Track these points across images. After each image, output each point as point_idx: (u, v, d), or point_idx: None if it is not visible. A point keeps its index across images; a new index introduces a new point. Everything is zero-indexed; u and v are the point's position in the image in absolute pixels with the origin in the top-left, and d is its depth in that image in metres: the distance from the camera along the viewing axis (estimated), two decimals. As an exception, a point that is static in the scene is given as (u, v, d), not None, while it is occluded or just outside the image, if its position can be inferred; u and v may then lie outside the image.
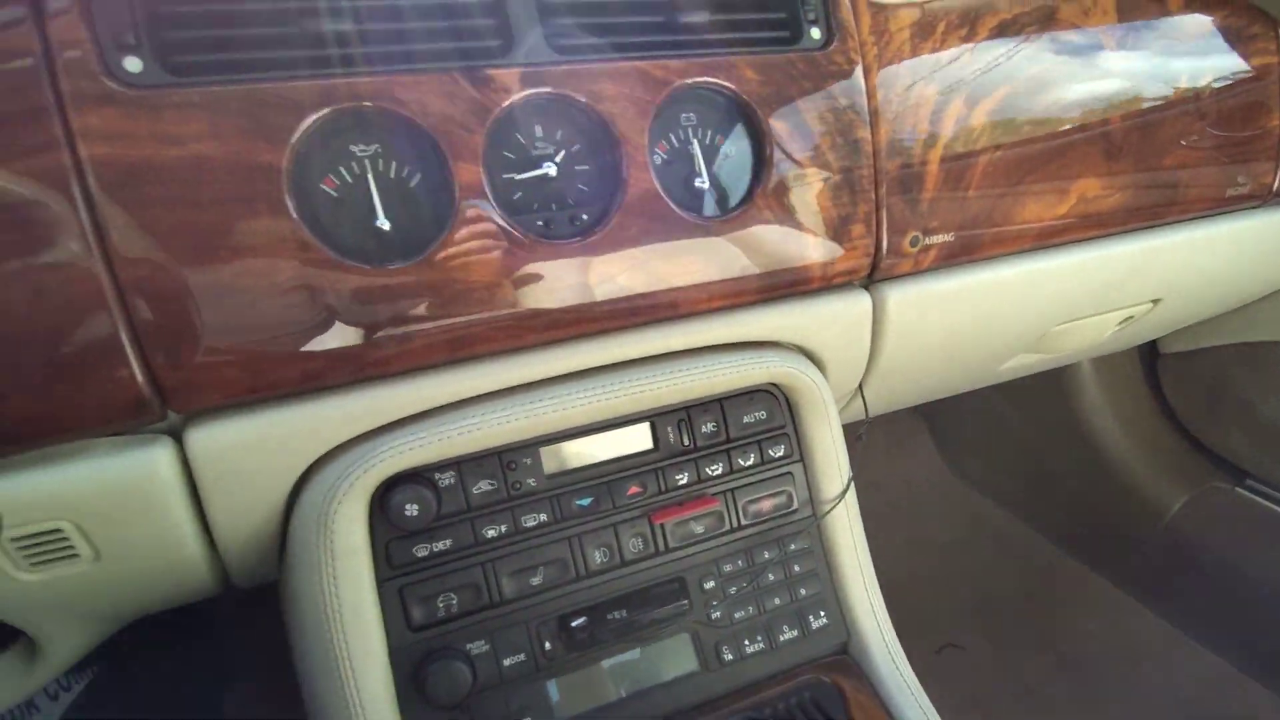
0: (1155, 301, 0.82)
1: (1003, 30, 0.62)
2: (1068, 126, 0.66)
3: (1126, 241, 0.74)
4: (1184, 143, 0.74)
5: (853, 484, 0.64)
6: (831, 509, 0.62)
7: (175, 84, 0.41)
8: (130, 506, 0.44)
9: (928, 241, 0.62)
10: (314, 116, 0.43)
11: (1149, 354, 1.08)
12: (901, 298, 0.63)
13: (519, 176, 0.49)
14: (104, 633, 0.58)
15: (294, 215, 0.43)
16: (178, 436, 0.45)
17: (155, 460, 0.44)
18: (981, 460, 1.28)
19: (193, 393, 0.43)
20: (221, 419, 0.45)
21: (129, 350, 0.41)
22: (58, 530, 0.43)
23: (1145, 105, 0.70)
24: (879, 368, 0.67)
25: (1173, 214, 0.76)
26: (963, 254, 0.64)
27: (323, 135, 0.44)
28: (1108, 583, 1.07)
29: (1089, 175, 0.68)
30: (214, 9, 0.42)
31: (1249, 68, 0.75)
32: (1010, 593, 1.11)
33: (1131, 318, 0.83)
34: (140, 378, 0.42)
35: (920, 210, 0.61)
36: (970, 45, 0.61)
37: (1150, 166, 0.72)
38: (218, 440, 0.45)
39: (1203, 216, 0.78)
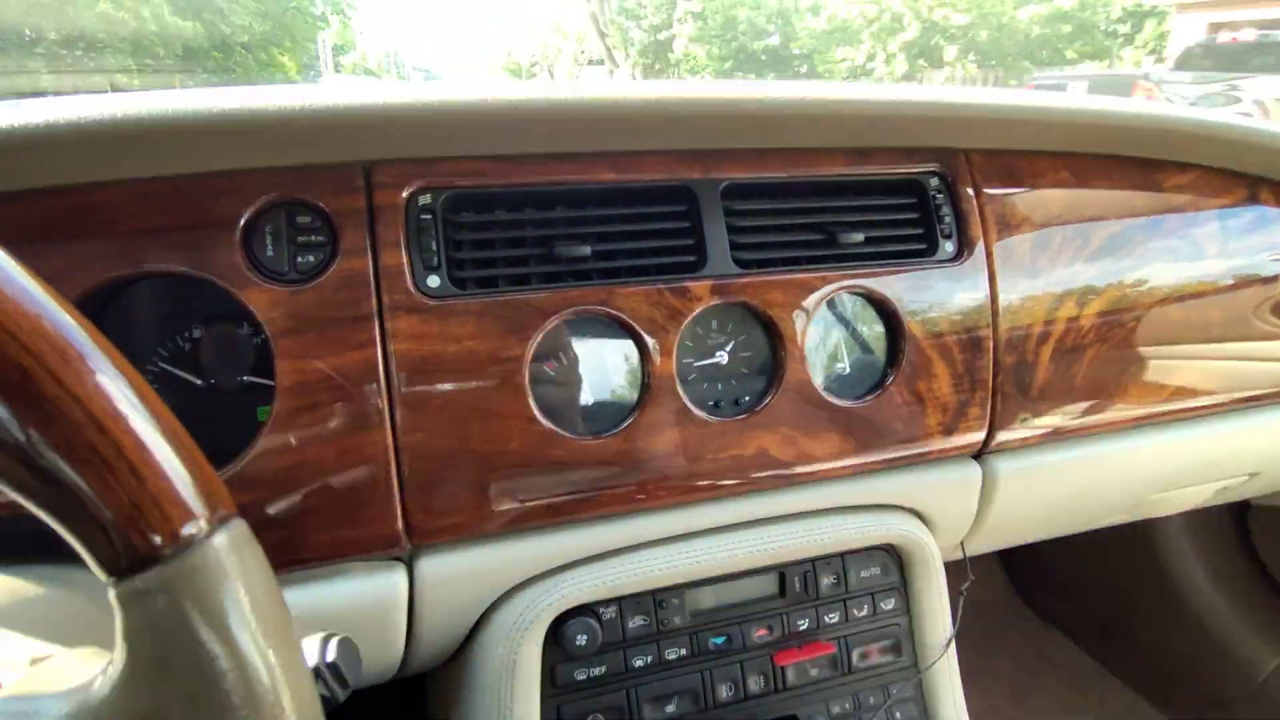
0: (1252, 475, 0.94)
1: (1113, 240, 0.77)
2: (1171, 321, 0.80)
3: (1226, 421, 0.87)
4: (1283, 329, 0.87)
5: (954, 640, 0.76)
6: (935, 663, 0.75)
7: (459, 295, 0.58)
8: (369, 620, 0.60)
9: (1036, 422, 0.76)
10: (555, 320, 0.60)
11: (1239, 504, 1.18)
12: (1009, 469, 0.77)
13: (696, 363, 0.65)
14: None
15: (528, 396, 0.59)
16: (408, 564, 0.61)
17: (394, 583, 0.60)
18: (1054, 593, 1.37)
19: (431, 531, 0.59)
20: (445, 551, 0.61)
21: (395, 498, 0.57)
22: (315, 637, 0.59)
23: (1246, 300, 0.84)
24: (983, 527, 0.80)
25: (1272, 398, 0.88)
26: (1068, 434, 0.78)
27: (552, 330, 0.61)
28: (1194, 743, 1.14)
29: (1190, 364, 0.82)
30: (491, 236, 0.60)
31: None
32: (1086, 740, 1.19)
33: (1227, 488, 0.95)
34: (399, 518, 0.58)
35: (1031, 396, 0.75)
36: (1083, 254, 0.76)
37: (1250, 354, 0.85)
38: (441, 569, 0.61)
39: (1302, 396, 0.90)
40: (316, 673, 0.38)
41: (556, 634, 0.64)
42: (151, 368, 0.60)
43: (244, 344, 0.59)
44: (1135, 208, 0.80)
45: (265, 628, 0.27)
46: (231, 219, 0.55)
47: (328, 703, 0.43)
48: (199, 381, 0.60)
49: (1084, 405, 0.78)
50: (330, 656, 0.39)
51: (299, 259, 0.56)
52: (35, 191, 0.52)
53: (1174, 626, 1.15)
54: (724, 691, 0.69)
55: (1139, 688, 1.20)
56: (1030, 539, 0.91)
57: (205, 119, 0.50)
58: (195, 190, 0.54)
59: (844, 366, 0.70)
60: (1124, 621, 1.21)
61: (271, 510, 0.55)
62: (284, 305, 0.55)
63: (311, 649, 0.39)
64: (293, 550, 0.56)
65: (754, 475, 0.66)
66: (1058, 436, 0.78)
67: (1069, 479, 0.81)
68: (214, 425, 0.56)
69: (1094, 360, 0.77)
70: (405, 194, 0.58)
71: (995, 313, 0.72)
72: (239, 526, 0.29)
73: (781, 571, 0.71)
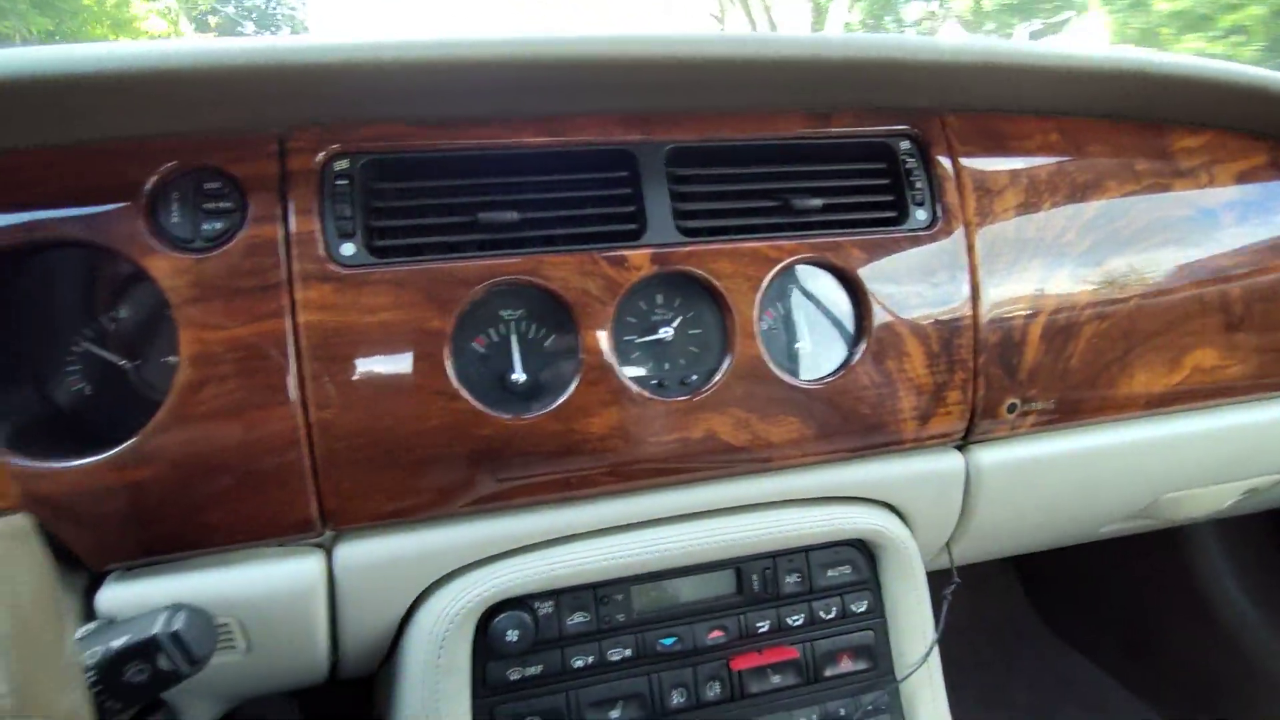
0: (1286, 473, 0.87)
1: (1111, 209, 0.73)
2: (1181, 297, 0.75)
3: (1253, 410, 0.80)
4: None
5: (937, 647, 0.71)
6: (913, 672, 0.70)
7: (375, 264, 0.57)
8: (285, 607, 0.59)
9: (1026, 408, 0.71)
10: (480, 290, 0.58)
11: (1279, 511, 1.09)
12: (996, 461, 0.72)
13: (639, 339, 0.63)
14: (228, 707, 0.72)
15: (449, 371, 0.58)
16: (327, 550, 0.60)
17: (311, 570, 0.58)
18: (1075, 611, 1.29)
19: (349, 515, 0.58)
20: (365, 538, 0.60)
21: (308, 478, 0.56)
22: (225, 625, 0.58)
23: (1271, 274, 0.78)
24: (969, 527, 0.75)
25: (1306, 383, 0.81)
26: (1063, 420, 0.73)
27: (480, 302, 0.59)
28: (1234, 777, 1.06)
29: (1206, 345, 0.76)
30: (413, 204, 0.58)
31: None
32: (1113, 772, 1.12)
33: (1256, 489, 0.88)
34: (312, 500, 0.56)
35: (1019, 378, 0.70)
36: (1076, 222, 0.72)
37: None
38: (360, 556, 0.59)
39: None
40: (156, 644, 0.37)
41: (487, 629, 0.62)
42: (75, 348, 0.60)
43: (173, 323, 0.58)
44: (1137, 174, 0.75)
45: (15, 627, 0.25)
46: (135, 185, 0.54)
47: (170, 676, 0.41)
48: (123, 362, 0.60)
49: (1082, 390, 0.73)
50: (175, 626, 0.38)
51: (204, 226, 0.55)
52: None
53: (1205, 646, 1.07)
54: (675, 698, 0.66)
55: (1167, 713, 1.13)
56: (1029, 546, 0.86)
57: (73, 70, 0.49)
58: (99, 157, 0.54)
59: (804, 344, 0.66)
60: (1151, 641, 1.14)
61: (170, 488, 0.54)
62: (188, 274, 0.54)
63: (156, 619, 0.38)
64: (195, 531, 0.55)
65: (702, 461, 0.63)
66: (1053, 425, 0.73)
67: (1067, 475, 0.76)
68: (141, 407, 0.56)
69: (1092, 340, 0.72)
70: (320, 159, 0.57)
71: (975, 286, 0.68)
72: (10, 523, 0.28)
73: (738, 567, 0.68)
